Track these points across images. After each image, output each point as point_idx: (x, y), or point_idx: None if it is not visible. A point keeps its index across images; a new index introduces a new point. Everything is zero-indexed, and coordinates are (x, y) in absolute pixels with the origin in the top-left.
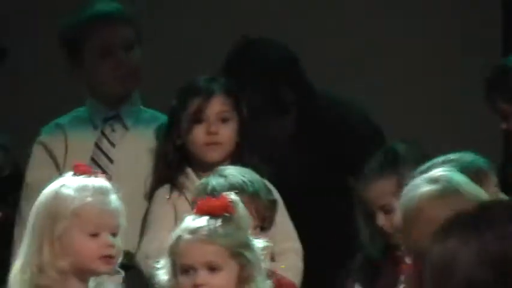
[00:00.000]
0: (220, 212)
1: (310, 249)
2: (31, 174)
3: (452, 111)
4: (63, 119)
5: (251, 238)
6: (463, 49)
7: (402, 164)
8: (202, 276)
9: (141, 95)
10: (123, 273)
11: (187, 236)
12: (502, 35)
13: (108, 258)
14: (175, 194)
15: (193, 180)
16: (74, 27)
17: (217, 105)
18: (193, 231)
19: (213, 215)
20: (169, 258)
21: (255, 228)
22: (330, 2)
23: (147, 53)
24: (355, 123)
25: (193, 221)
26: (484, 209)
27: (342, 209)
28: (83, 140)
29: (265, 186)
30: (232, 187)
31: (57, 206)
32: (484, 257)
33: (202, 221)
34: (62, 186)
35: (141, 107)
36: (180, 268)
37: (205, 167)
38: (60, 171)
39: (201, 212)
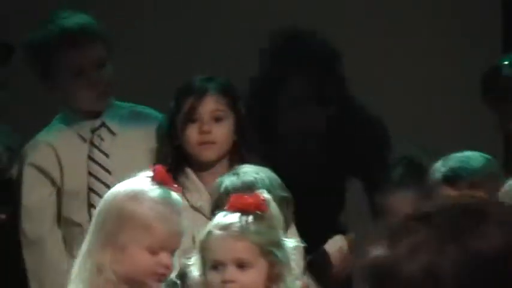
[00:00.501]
0: (253, 209)
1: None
2: (28, 197)
3: (452, 111)
4: (46, 136)
5: (282, 237)
6: (463, 49)
7: (425, 174)
8: (232, 272)
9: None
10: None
11: (217, 232)
12: (502, 35)
13: (162, 276)
14: None
15: (193, 180)
16: (43, 46)
17: (210, 104)
18: (225, 227)
19: (245, 211)
20: (200, 254)
21: None
22: (330, 2)
23: (145, 54)
24: (376, 125)
25: (225, 217)
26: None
27: (340, 208)
28: (75, 156)
29: (279, 184)
30: (244, 185)
31: (132, 212)
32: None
33: (234, 217)
34: (141, 191)
35: (116, 102)
36: (210, 264)
37: (203, 167)
38: (58, 187)
39: (233, 208)
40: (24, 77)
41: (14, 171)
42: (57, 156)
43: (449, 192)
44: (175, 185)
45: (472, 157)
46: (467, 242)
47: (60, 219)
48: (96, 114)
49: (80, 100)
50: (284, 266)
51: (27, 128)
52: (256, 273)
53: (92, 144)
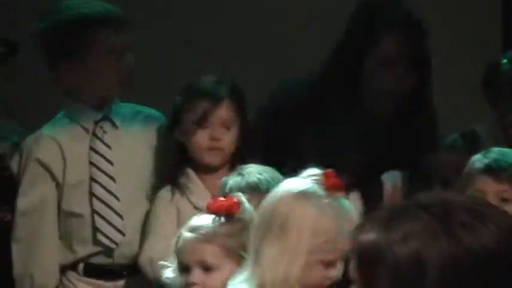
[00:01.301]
0: (225, 211)
1: None
2: (28, 194)
3: (452, 111)
4: (50, 130)
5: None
6: (463, 49)
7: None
8: (196, 275)
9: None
10: None
11: (186, 234)
12: (502, 35)
13: None
14: (177, 195)
15: (195, 182)
16: (75, 26)
17: (223, 112)
18: (193, 230)
19: (218, 214)
20: (174, 256)
21: None
22: (330, 3)
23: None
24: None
25: (197, 220)
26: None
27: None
28: (77, 147)
29: None
30: (247, 185)
31: (326, 227)
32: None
33: (206, 220)
34: (321, 203)
35: (118, 101)
36: (179, 266)
37: (205, 170)
38: (59, 183)
39: (210, 211)
40: (28, 74)
41: (13, 164)
42: (60, 149)
43: (490, 183)
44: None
45: (510, 153)
46: (461, 237)
47: (60, 214)
48: (100, 107)
49: (108, 83)
50: None
51: (32, 125)
52: (222, 276)
53: (95, 135)
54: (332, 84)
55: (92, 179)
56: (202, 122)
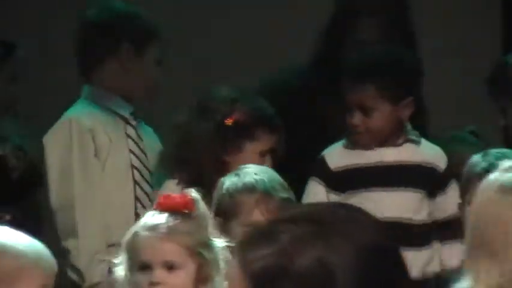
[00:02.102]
0: (180, 209)
1: None
2: (90, 163)
3: (452, 111)
4: (87, 108)
5: (211, 237)
6: (463, 49)
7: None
8: (159, 274)
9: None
10: None
11: (145, 233)
12: (502, 35)
13: None
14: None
15: None
16: (145, 23)
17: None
18: (152, 228)
19: (172, 212)
20: (126, 255)
21: None
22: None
23: None
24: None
25: (152, 218)
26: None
27: None
28: (117, 133)
29: (281, 185)
30: (243, 185)
31: None
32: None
33: (162, 218)
34: None
35: None
36: (137, 265)
37: None
38: (101, 162)
39: (160, 208)
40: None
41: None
42: (104, 129)
43: None
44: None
45: (509, 154)
46: (352, 233)
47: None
48: (130, 101)
49: (149, 84)
50: (213, 266)
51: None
52: (184, 275)
53: (131, 125)
54: (318, 70)
55: (133, 166)
56: (264, 153)
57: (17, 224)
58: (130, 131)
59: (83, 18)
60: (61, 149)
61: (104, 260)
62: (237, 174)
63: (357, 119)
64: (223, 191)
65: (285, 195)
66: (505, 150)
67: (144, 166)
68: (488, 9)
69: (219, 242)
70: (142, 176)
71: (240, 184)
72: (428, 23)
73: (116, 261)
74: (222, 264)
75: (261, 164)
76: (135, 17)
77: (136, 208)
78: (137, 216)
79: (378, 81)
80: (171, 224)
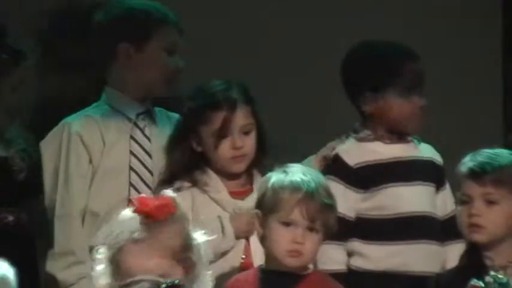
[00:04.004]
0: (163, 213)
1: None
2: (73, 168)
3: (452, 111)
4: (92, 112)
5: (191, 236)
6: (463, 49)
7: None
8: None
9: None
10: None
11: (131, 246)
12: (502, 35)
13: None
14: (195, 191)
15: (213, 178)
16: (143, 18)
17: (240, 119)
18: (136, 242)
19: (156, 218)
20: (110, 266)
21: (303, 228)
22: (330, 3)
23: None
24: None
25: (136, 229)
26: None
27: None
28: (118, 134)
29: (326, 190)
30: (290, 183)
31: None
32: None
33: (145, 229)
34: None
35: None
36: (125, 279)
37: (230, 176)
38: (94, 166)
39: (140, 212)
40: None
41: (23, 175)
42: (101, 132)
43: (474, 187)
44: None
45: (501, 154)
46: None
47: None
48: (142, 101)
49: (161, 78)
50: (199, 265)
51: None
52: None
53: (137, 126)
54: None
55: (131, 168)
56: (222, 133)
57: (21, 225)
58: (136, 133)
59: (93, 21)
60: (52, 153)
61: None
62: (285, 172)
63: None
64: (268, 185)
65: (327, 200)
66: (499, 150)
67: (145, 168)
68: (488, 9)
69: (200, 237)
70: (140, 178)
71: (286, 181)
72: (428, 23)
73: (97, 269)
74: (205, 259)
75: (240, 143)
76: (131, 14)
77: None
78: None
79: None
80: (155, 236)
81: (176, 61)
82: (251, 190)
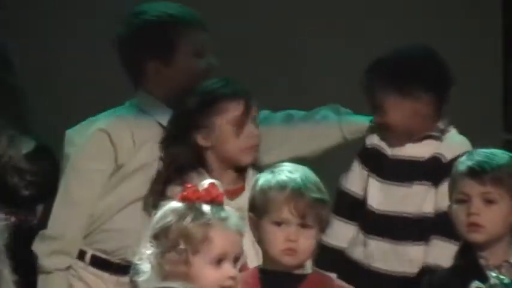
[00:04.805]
0: (221, 196)
1: None
2: (90, 160)
3: (452, 111)
4: (120, 112)
5: None
6: (463, 49)
7: None
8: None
9: None
10: None
11: (220, 225)
12: (502, 35)
13: None
14: None
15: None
16: (162, 32)
17: (254, 109)
18: (224, 220)
19: (220, 201)
20: (185, 245)
21: (295, 226)
22: (330, 3)
23: None
24: None
25: (215, 210)
26: None
27: None
28: (149, 137)
29: (315, 184)
30: (276, 183)
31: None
32: None
33: (223, 211)
34: None
35: None
36: (210, 258)
37: (227, 173)
38: (118, 166)
39: (203, 198)
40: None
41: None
42: (132, 133)
43: (473, 186)
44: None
45: (497, 154)
46: None
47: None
48: (171, 105)
49: (191, 81)
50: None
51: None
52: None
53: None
54: None
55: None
56: (243, 120)
57: (27, 225)
58: None
59: (115, 37)
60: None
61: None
62: (272, 172)
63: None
64: (257, 188)
65: (316, 195)
66: (495, 150)
67: None
68: (488, 9)
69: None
70: None
71: (272, 181)
72: (428, 23)
73: (143, 271)
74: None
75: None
76: (150, 30)
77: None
78: None
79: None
80: (232, 214)
81: (207, 61)
82: (243, 189)
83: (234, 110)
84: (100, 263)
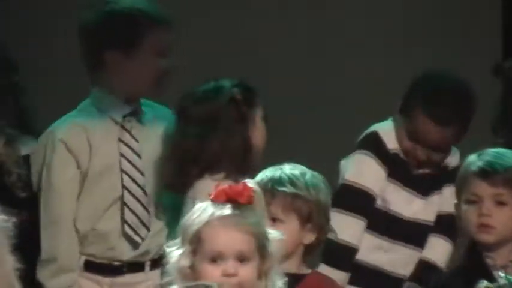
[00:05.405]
0: (244, 199)
1: None
2: (56, 175)
3: None
4: (77, 117)
5: (268, 230)
6: (463, 49)
7: None
8: (233, 265)
9: None
10: None
11: (216, 223)
12: (502, 35)
13: None
14: None
15: None
16: (130, 24)
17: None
18: (222, 218)
19: (235, 202)
20: (191, 245)
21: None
22: (330, 2)
23: None
24: None
25: (217, 208)
26: None
27: None
28: (105, 137)
29: (310, 185)
30: (269, 180)
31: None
32: None
33: (228, 209)
34: None
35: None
36: (208, 255)
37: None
38: (82, 171)
39: (222, 197)
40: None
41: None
42: (87, 137)
43: (485, 187)
44: None
45: (507, 154)
46: None
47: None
48: (130, 102)
49: (140, 79)
50: (273, 260)
51: None
52: (252, 268)
53: (124, 128)
54: None
55: (122, 171)
56: (266, 118)
57: (34, 223)
58: (123, 134)
59: (79, 23)
60: (39, 163)
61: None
62: (275, 169)
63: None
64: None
65: (313, 197)
66: (502, 150)
67: (136, 169)
68: (488, 9)
69: (275, 234)
70: (132, 179)
71: (267, 179)
72: (428, 23)
73: (174, 251)
74: (277, 256)
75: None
76: (118, 20)
77: (123, 214)
78: (124, 222)
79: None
80: (240, 214)
81: (168, 62)
82: None
83: (260, 106)
84: (93, 267)
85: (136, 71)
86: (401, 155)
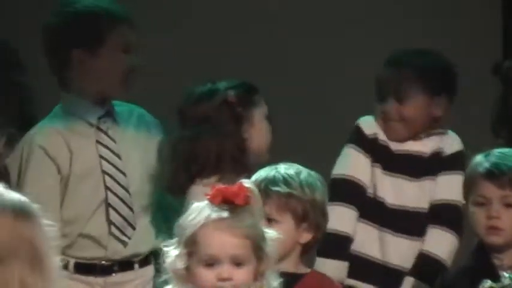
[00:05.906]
0: (240, 201)
1: None
2: (36, 184)
3: (452, 111)
4: (52, 122)
5: (265, 229)
6: (463, 49)
7: None
8: (228, 269)
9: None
10: None
11: (211, 226)
12: (502, 35)
13: None
14: None
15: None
16: (94, 22)
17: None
18: (218, 222)
19: (231, 204)
20: (186, 248)
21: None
22: (330, 2)
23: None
24: None
25: (212, 211)
26: None
27: None
28: (83, 140)
29: (305, 184)
30: (263, 180)
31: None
32: None
33: (224, 212)
34: None
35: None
36: (203, 259)
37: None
38: (63, 176)
39: (218, 199)
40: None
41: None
42: (65, 141)
43: (492, 189)
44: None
45: (510, 154)
46: None
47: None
48: (108, 99)
49: (117, 78)
50: (269, 260)
51: None
52: (248, 271)
53: (100, 130)
54: None
55: (104, 172)
56: (269, 117)
57: None
58: (101, 136)
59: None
60: (16, 168)
61: None
62: (270, 169)
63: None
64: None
65: (308, 196)
66: (507, 150)
67: (117, 169)
68: (488, 9)
69: (272, 234)
70: (115, 180)
71: (261, 178)
72: (428, 22)
73: (171, 252)
74: (274, 257)
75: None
76: (81, 19)
77: (109, 215)
78: (110, 223)
79: (418, 68)
80: (236, 217)
81: (131, 60)
82: None
83: (262, 105)
84: (84, 268)
85: (103, 68)
86: (380, 136)
